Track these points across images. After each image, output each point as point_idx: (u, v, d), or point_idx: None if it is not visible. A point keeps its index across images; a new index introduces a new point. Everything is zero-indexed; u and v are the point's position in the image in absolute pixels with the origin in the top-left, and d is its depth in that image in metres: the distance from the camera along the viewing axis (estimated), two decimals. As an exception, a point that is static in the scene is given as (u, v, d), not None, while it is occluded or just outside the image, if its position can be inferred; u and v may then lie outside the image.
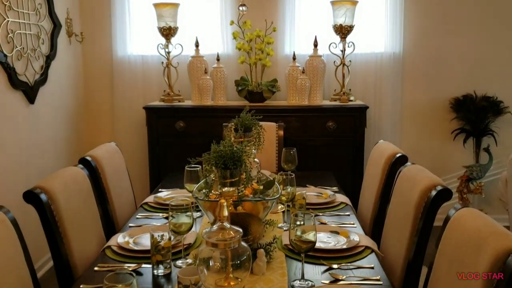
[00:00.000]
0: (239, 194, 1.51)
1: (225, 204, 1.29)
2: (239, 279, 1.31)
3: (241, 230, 1.31)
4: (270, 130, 3.15)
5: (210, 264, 1.30)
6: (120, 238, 1.87)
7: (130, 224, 2.10)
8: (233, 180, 1.44)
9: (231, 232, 1.29)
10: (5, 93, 2.92)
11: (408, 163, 2.14)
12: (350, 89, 3.84)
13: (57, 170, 3.49)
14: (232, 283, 1.32)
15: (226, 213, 1.30)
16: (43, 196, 1.76)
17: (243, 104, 3.73)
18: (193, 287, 1.39)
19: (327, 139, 3.62)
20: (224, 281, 1.32)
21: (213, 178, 1.57)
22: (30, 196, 1.75)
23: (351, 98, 3.79)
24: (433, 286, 1.51)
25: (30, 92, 3.17)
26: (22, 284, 1.50)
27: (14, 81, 2.97)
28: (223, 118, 3.50)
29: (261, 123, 2.26)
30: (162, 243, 1.61)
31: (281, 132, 3.24)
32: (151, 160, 3.69)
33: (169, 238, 1.63)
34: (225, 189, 1.47)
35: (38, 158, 3.29)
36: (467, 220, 1.41)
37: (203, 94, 3.70)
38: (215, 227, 1.31)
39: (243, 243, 1.31)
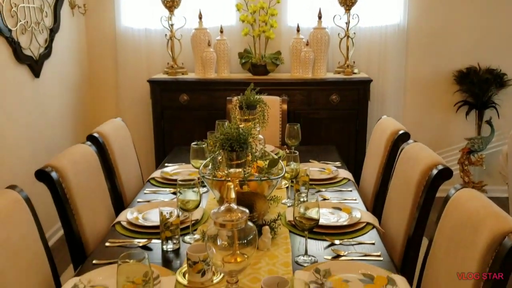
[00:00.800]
0: (245, 175, 1.56)
1: (232, 186, 1.34)
2: (246, 256, 1.37)
3: (247, 211, 1.36)
4: (273, 105, 3.17)
5: (218, 243, 1.36)
6: (129, 214, 1.92)
7: (138, 200, 2.16)
8: (239, 162, 1.48)
9: (238, 213, 1.34)
10: (10, 67, 2.94)
11: (411, 141, 2.17)
12: (354, 62, 3.83)
13: (64, 143, 3.55)
14: (239, 260, 1.38)
15: (233, 195, 1.34)
16: (54, 174, 1.81)
17: (246, 77, 3.74)
18: (201, 264, 1.45)
19: (331, 112, 3.64)
20: (231, 258, 1.38)
21: (220, 160, 1.61)
22: (42, 175, 1.80)
23: (355, 70, 3.79)
24: (432, 263, 1.57)
25: (35, 66, 3.18)
26: (38, 260, 1.57)
27: (19, 55, 2.99)
28: (226, 91, 3.52)
29: (264, 97, 2.28)
30: (171, 220, 1.67)
31: (285, 106, 3.27)
32: (156, 133, 3.73)
33: (178, 215, 1.69)
34: (232, 170, 1.51)
35: (45, 131, 3.34)
36: (466, 200, 1.45)
37: (207, 66, 3.70)
38: (222, 208, 1.36)
39: (249, 223, 1.36)
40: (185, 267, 1.52)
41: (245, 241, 1.35)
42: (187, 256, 1.46)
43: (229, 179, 1.53)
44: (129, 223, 1.87)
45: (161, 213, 1.66)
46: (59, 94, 3.56)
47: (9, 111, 2.92)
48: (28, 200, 1.61)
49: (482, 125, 3.96)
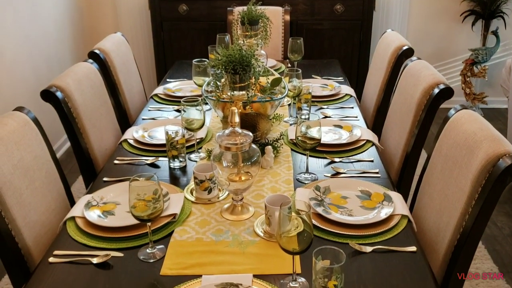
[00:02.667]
0: (249, 97, 1.57)
1: (236, 111, 1.36)
2: (250, 174, 1.44)
3: (251, 134, 1.40)
4: (275, 15, 3.08)
5: (224, 164, 1.42)
6: (135, 133, 1.97)
7: (143, 117, 2.19)
8: (242, 84, 1.49)
9: (242, 136, 1.38)
10: (2, -23, 2.83)
11: (414, 58, 2.15)
12: (360, -32, 3.66)
13: (64, 57, 3.52)
14: (244, 178, 1.45)
15: (237, 119, 1.37)
16: (59, 94, 1.83)
17: (248, -15, 3.60)
18: (208, 182, 1.52)
19: (335, 23, 3.56)
20: (236, 177, 1.45)
21: (223, 82, 1.62)
22: (47, 95, 1.82)
23: (361, -22, 3.63)
24: (428, 180, 1.64)
25: (27, -26, 3.06)
26: (50, 178, 1.64)
27: (10, -36, 2.86)
28: (227, 1, 3.41)
29: (266, 8, 2.22)
30: (176, 139, 1.71)
31: (287, 17, 3.18)
32: (156, 46, 3.67)
33: (183, 135, 1.73)
34: (235, 93, 1.53)
35: (44, 45, 3.29)
36: (465, 122, 1.48)
37: (206, -26, 3.55)
38: (227, 131, 1.40)
39: (253, 146, 1.41)
40: (192, 185, 1.59)
41: (249, 162, 1.41)
42: (194, 175, 1.53)
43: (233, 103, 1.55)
44: (136, 141, 1.91)
45: (166, 133, 1.71)
46: (55, 5, 3.44)
47: (4, 24, 2.85)
48: (36, 121, 1.64)
49: (487, 35, 3.88)
